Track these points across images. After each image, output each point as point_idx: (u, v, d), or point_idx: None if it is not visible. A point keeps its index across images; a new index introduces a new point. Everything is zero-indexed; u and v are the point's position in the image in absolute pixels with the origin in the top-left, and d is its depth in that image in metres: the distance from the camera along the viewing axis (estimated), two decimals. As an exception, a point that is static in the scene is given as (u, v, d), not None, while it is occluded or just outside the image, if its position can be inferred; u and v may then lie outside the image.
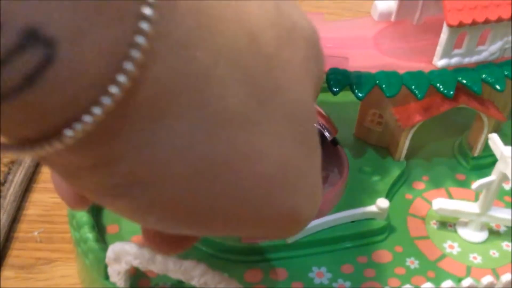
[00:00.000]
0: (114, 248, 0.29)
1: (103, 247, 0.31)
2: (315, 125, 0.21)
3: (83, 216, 0.33)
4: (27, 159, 0.42)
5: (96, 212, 0.37)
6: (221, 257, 0.35)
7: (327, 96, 0.46)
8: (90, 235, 0.32)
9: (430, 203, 0.40)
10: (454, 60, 0.38)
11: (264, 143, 0.18)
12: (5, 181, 0.40)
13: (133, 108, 0.15)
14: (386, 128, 0.42)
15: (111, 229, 0.37)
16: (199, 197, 0.17)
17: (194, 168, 0.16)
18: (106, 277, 0.31)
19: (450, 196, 0.41)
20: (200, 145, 0.16)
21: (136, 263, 0.28)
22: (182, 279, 0.27)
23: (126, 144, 0.15)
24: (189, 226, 0.18)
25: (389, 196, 0.39)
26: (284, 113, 0.18)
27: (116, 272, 0.30)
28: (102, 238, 0.35)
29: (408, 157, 0.42)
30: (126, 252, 0.28)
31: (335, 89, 0.36)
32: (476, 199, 0.39)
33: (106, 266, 0.31)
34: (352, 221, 0.37)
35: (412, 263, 0.36)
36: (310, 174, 0.20)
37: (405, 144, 0.40)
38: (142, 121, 0.15)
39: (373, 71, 0.37)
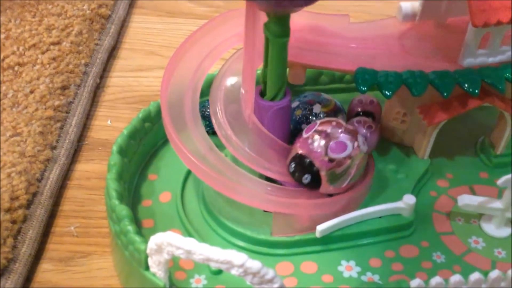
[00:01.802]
0: (156, 239, 0.30)
1: (143, 239, 0.32)
2: None
3: (122, 209, 0.34)
4: (62, 157, 0.44)
5: (132, 207, 0.39)
6: (253, 250, 0.36)
7: (353, 95, 0.47)
8: (130, 228, 0.33)
9: (454, 199, 0.41)
10: (479, 60, 0.39)
11: None
12: (41, 178, 0.42)
13: None
14: (410, 127, 0.43)
15: (146, 223, 0.38)
16: None
17: None
18: (146, 267, 0.32)
19: (474, 193, 0.42)
20: None
21: (178, 253, 0.29)
22: (222, 268, 0.28)
23: None
24: None
25: (414, 193, 0.40)
26: None
27: (157, 262, 0.31)
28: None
29: (432, 155, 0.42)
30: (168, 243, 0.29)
31: (363, 88, 0.37)
32: (499, 196, 0.40)
33: (146, 257, 0.32)
34: (380, 217, 0.38)
35: (439, 257, 0.37)
36: None
37: (429, 142, 0.41)
38: None
39: (399, 70, 0.38)
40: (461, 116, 0.40)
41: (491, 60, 0.39)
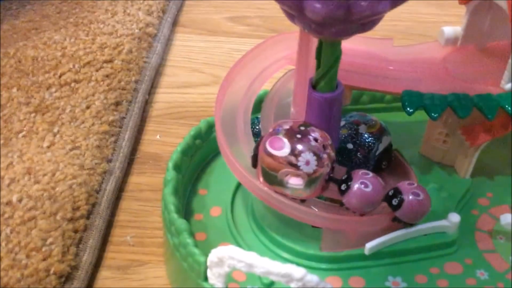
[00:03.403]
0: (217, 253, 0.31)
1: (201, 252, 0.34)
2: None
3: (182, 223, 0.36)
4: (117, 169, 0.46)
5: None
6: (303, 264, 0.38)
7: (394, 115, 0.49)
8: (189, 241, 0.35)
9: (495, 218, 0.42)
10: (521, 84, 0.40)
11: None
12: (99, 189, 0.44)
13: None
14: (452, 147, 0.44)
15: (198, 236, 0.40)
16: None
17: None
18: (205, 279, 0.34)
19: (515, 212, 0.43)
20: None
21: (239, 266, 0.31)
22: (282, 281, 0.30)
23: None
24: None
25: (456, 211, 0.41)
26: None
27: (217, 274, 0.33)
28: (192, 244, 0.37)
29: (472, 174, 0.44)
30: (230, 256, 0.31)
31: (409, 110, 0.38)
32: (539, 215, 0.41)
33: (205, 269, 0.34)
34: (425, 234, 0.39)
35: (482, 274, 0.38)
36: None
37: (471, 162, 0.43)
38: None
39: (444, 93, 0.40)
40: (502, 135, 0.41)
41: (533, 84, 0.40)
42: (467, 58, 0.43)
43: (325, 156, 0.35)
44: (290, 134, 0.34)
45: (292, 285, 0.30)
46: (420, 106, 0.39)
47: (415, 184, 0.37)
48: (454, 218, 0.39)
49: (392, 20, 0.72)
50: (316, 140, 0.35)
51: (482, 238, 0.41)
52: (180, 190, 0.41)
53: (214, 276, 0.33)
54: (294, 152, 0.34)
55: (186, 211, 0.42)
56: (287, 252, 0.39)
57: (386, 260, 0.38)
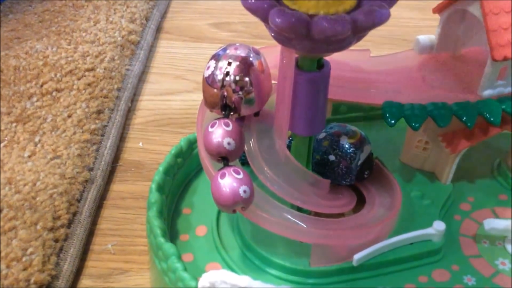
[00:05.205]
0: (209, 277, 0.31)
1: (191, 276, 0.34)
2: None
3: (170, 247, 0.35)
4: (98, 178, 0.46)
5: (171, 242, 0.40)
6: (292, 280, 0.38)
7: (372, 124, 0.49)
8: (178, 265, 0.34)
9: (478, 222, 0.42)
10: (497, 90, 0.41)
11: None
12: (80, 198, 0.44)
13: None
14: (431, 154, 0.44)
15: (186, 257, 0.40)
16: None
17: None
18: (196, 303, 0.33)
19: (496, 216, 0.43)
20: None
21: (232, 290, 0.30)
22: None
23: None
24: None
25: (440, 217, 0.42)
26: None
27: (209, 299, 0.32)
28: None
29: (452, 179, 0.44)
30: (222, 281, 0.30)
31: (391, 121, 0.39)
32: (520, 217, 0.42)
33: (196, 294, 0.33)
34: (411, 243, 0.39)
35: (469, 280, 0.39)
36: None
37: (452, 168, 0.43)
38: None
39: (422, 102, 0.40)
40: (478, 141, 0.42)
41: (508, 90, 0.41)
42: (443, 66, 0.44)
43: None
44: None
45: (286, 306, 0.30)
46: (401, 116, 0.39)
47: None
48: (440, 226, 0.39)
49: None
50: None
51: (467, 243, 0.41)
52: (164, 211, 0.40)
53: (206, 300, 0.33)
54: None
55: (171, 232, 0.41)
56: (275, 268, 0.38)
57: (374, 272, 0.38)
